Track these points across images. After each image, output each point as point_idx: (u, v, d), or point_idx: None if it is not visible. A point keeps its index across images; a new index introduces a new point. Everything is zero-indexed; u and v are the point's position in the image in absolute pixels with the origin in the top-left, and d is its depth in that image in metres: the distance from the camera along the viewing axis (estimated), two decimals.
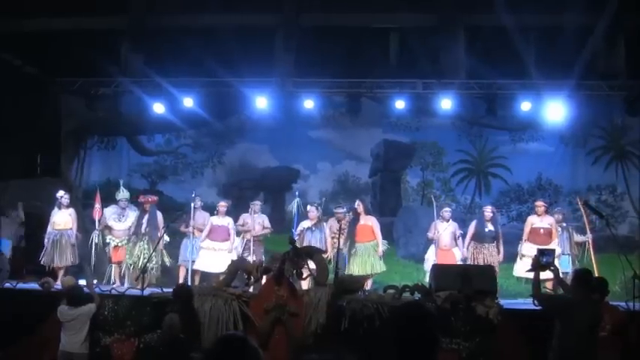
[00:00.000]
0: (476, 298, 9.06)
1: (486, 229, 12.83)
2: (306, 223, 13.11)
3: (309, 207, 13.32)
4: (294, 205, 13.65)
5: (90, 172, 16.54)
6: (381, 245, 12.97)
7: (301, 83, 15.24)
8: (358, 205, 13.15)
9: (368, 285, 12.00)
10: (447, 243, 13.02)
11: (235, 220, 13.37)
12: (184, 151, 16.64)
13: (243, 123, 16.25)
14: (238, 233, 13.38)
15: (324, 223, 13.09)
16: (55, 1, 13.79)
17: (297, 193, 13.73)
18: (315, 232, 12.90)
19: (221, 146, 16.55)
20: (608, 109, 15.26)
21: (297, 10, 15.09)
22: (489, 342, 8.72)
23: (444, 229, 13.08)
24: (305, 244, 12.15)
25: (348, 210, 13.22)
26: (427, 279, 12.30)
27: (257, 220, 13.30)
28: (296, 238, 12.76)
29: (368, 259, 12.68)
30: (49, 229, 12.79)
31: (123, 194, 13.41)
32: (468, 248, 12.93)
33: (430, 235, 13.22)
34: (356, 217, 13.02)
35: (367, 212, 13.33)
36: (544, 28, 14.46)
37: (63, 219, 12.81)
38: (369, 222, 13.07)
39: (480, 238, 12.90)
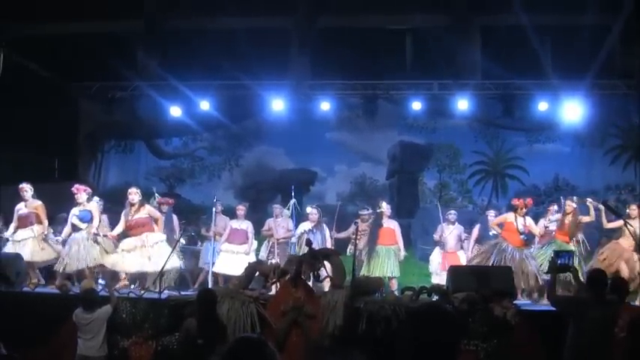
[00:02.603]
0: (493, 299, 9.02)
1: (490, 233, 12.73)
2: (306, 225, 13.02)
3: (309, 209, 13.22)
4: (290, 207, 13.59)
5: (108, 175, 16.63)
6: (403, 250, 12.91)
7: (317, 85, 15.28)
8: (387, 208, 13.05)
9: (394, 287, 12.01)
10: (453, 245, 13.00)
11: (256, 225, 13.31)
12: (201, 154, 16.73)
13: (259, 125, 16.30)
14: (263, 237, 13.37)
15: (324, 225, 13.05)
16: (71, 6, 13.85)
17: (292, 194, 13.64)
18: (316, 234, 12.82)
19: (238, 149, 16.62)
20: (625, 108, 15.20)
21: (312, 12, 15.10)
22: (507, 343, 8.67)
23: (449, 232, 13.06)
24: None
25: (373, 212, 13.17)
26: (432, 280, 12.52)
27: (281, 224, 13.23)
28: (296, 240, 12.77)
29: (387, 262, 12.61)
30: None
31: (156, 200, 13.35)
32: (472, 251, 12.86)
33: (436, 237, 13.20)
34: (379, 219, 12.91)
35: (389, 215, 13.21)
36: (560, 28, 14.40)
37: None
38: (392, 225, 12.96)
39: (483, 241, 12.84)
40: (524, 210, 11.96)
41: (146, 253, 11.20)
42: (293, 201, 13.53)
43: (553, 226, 12.19)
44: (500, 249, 11.71)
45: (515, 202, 12.15)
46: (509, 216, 12.07)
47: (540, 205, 14.98)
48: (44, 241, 11.55)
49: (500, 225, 12.21)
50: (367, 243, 12.63)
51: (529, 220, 12.00)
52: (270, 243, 13.11)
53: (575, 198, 12.24)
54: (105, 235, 11.47)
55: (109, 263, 11.29)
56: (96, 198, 12.92)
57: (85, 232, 11.31)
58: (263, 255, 13.02)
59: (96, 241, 11.31)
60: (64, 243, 11.50)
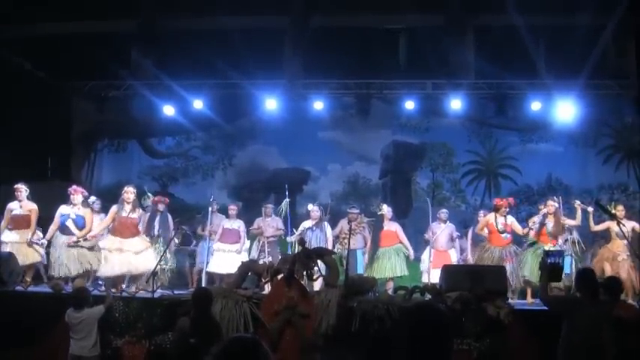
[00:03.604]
0: (486, 298, 9.03)
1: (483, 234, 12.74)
2: (307, 223, 13.07)
3: (311, 206, 13.25)
4: (282, 207, 13.57)
5: (101, 174, 16.60)
6: (411, 249, 12.90)
7: (310, 85, 15.27)
8: (388, 211, 13.05)
9: (389, 287, 11.98)
10: (444, 244, 13.03)
11: (249, 225, 13.30)
12: (195, 154, 16.72)
13: (253, 125, 16.30)
14: (253, 236, 13.34)
15: (325, 223, 13.04)
16: (65, 5, 13.80)
17: (286, 193, 13.64)
18: (316, 231, 12.82)
19: (231, 148, 16.62)
20: (618, 108, 15.27)
21: (306, 11, 15.05)
22: (500, 342, 8.69)
23: (440, 231, 13.07)
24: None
25: (361, 211, 13.18)
26: (423, 279, 12.59)
27: (271, 224, 13.23)
28: (295, 238, 12.76)
29: (389, 263, 12.59)
30: None
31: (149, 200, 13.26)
32: (470, 255, 12.90)
33: (427, 236, 13.20)
34: (380, 222, 12.91)
35: (390, 218, 13.18)
36: (554, 28, 14.38)
37: (95, 223, 12.61)
38: (393, 227, 12.95)
39: (477, 243, 12.88)
40: (506, 210, 12.02)
41: (133, 258, 11.12)
42: (287, 200, 13.53)
43: (536, 227, 12.13)
44: (483, 249, 11.94)
45: (498, 201, 12.28)
46: (490, 217, 12.15)
47: (534, 205, 15.04)
48: (29, 245, 11.43)
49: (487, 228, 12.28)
50: (370, 246, 12.66)
51: (510, 219, 12.07)
52: (261, 242, 13.12)
53: (555, 197, 12.24)
54: (82, 239, 11.33)
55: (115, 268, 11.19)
56: (92, 198, 12.89)
57: (67, 239, 11.25)
58: (254, 254, 13.02)
59: (77, 246, 11.24)
60: (48, 245, 11.42)
